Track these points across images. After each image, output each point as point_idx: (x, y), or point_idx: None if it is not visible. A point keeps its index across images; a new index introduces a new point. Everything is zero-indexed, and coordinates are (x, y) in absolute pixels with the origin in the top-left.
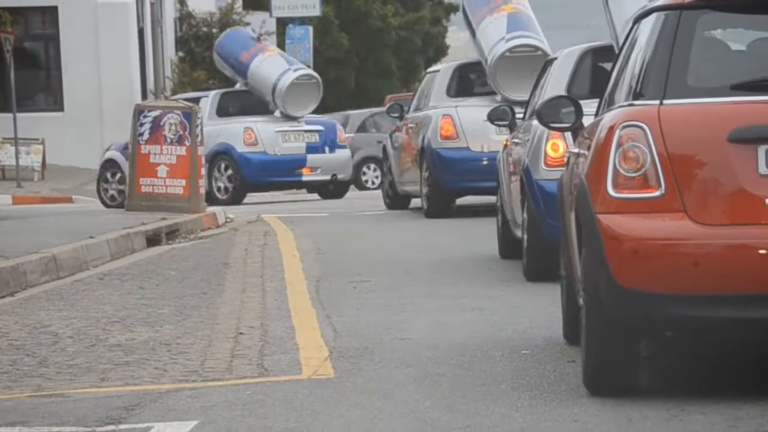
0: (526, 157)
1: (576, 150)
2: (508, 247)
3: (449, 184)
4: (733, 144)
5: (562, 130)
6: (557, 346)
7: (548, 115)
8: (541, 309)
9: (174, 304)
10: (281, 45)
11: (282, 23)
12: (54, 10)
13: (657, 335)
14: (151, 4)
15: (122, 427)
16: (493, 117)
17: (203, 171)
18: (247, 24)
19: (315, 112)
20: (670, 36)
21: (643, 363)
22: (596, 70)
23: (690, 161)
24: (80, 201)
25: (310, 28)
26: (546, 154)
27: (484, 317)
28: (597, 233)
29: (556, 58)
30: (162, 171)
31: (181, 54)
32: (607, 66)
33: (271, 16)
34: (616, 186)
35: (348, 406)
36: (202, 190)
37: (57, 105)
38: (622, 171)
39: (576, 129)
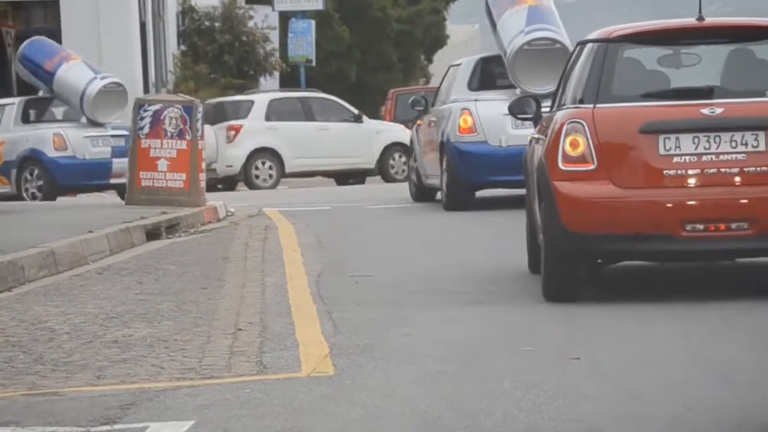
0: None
1: (537, 135)
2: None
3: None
4: (642, 134)
5: (526, 119)
6: (562, 346)
7: (517, 108)
8: (548, 307)
9: (173, 300)
10: (284, 39)
11: (285, 17)
12: (56, 4)
13: (592, 262)
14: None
15: (117, 427)
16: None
17: (204, 165)
18: (251, 18)
19: None
20: (600, 60)
21: (582, 281)
22: (485, 72)
23: (613, 146)
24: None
25: (313, 22)
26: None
27: (485, 312)
28: (552, 194)
29: (460, 64)
30: (162, 165)
31: (183, 48)
32: (493, 69)
33: (273, 10)
34: (564, 162)
35: (347, 405)
36: (203, 184)
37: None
38: (568, 152)
39: (537, 119)
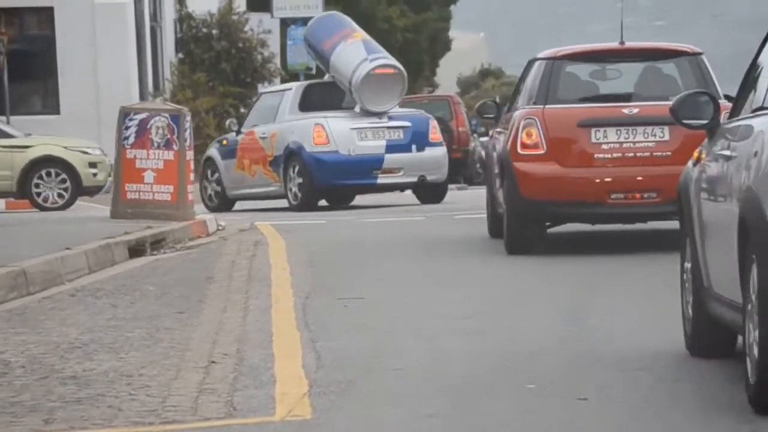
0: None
1: (499, 130)
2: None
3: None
4: (579, 128)
5: (489, 119)
6: (566, 380)
7: (483, 111)
8: (547, 331)
9: (146, 326)
10: (282, 46)
11: (285, 24)
12: (50, 11)
13: (542, 224)
14: (150, 5)
15: None
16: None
17: (192, 176)
18: (246, 22)
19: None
20: (548, 73)
21: (537, 239)
22: (312, 95)
23: (558, 136)
24: (75, 207)
25: None
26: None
27: (485, 342)
28: (513, 172)
29: (290, 89)
30: (149, 176)
31: (180, 56)
32: (321, 91)
33: (272, 16)
34: (522, 148)
35: None
36: (191, 197)
37: (53, 108)
38: (525, 141)
39: (497, 118)
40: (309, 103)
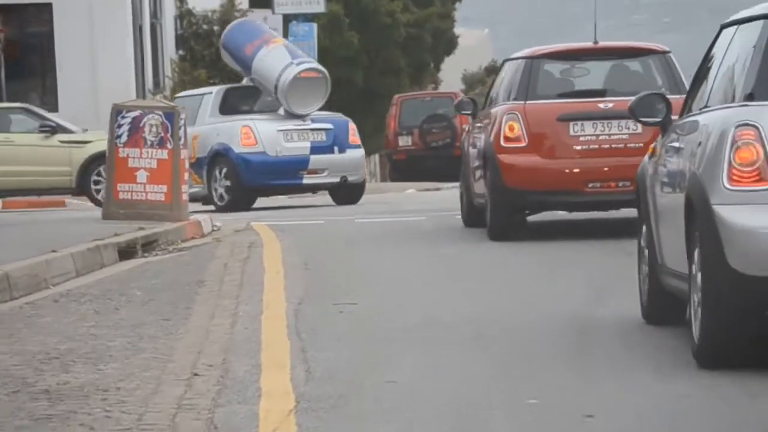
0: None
1: (478, 124)
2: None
3: (249, 182)
4: (559, 122)
5: (468, 115)
6: (569, 393)
7: (461, 107)
8: (550, 347)
9: (129, 334)
10: None
11: (288, 21)
12: (48, 7)
13: (523, 211)
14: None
15: None
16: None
17: (187, 176)
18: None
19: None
20: (527, 71)
21: (519, 226)
22: (232, 98)
23: (539, 130)
24: (73, 205)
25: (315, 25)
26: (505, 134)
27: (484, 353)
28: (496, 163)
29: (210, 92)
30: (142, 176)
31: (181, 52)
32: (240, 94)
33: (273, 12)
34: (505, 141)
35: None
36: (185, 197)
37: (51, 105)
38: (507, 134)
39: (474, 115)
40: (229, 106)
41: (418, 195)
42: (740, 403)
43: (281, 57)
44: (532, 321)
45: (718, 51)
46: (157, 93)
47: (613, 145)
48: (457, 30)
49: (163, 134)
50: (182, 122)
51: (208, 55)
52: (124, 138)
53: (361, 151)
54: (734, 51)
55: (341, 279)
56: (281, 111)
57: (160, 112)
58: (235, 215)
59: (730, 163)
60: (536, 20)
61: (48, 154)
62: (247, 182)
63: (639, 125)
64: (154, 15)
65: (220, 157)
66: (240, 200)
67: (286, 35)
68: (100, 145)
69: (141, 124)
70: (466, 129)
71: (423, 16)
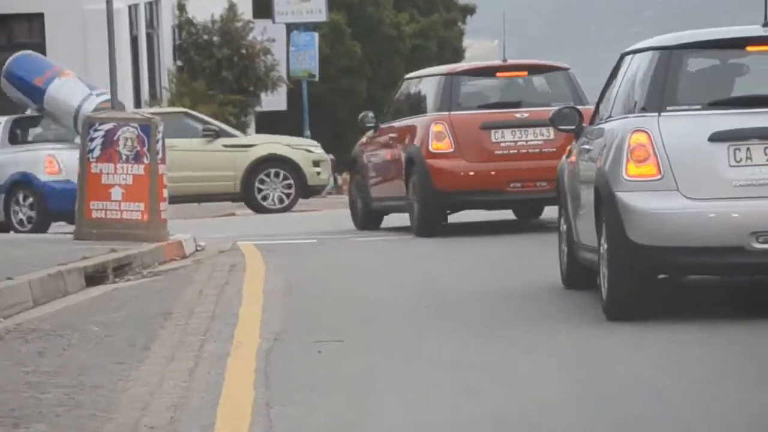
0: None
1: (382, 136)
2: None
3: (54, 209)
4: (482, 129)
5: (370, 128)
6: (508, 337)
7: (364, 121)
8: (557, 394)
9: (69, 384)
10: (287, 53)
11: (290, 30)
12: (40, 17)
13: (449, 211)
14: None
15: None
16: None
17: (166, 193)
18: (251, 30)
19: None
20: (448, 85)
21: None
22: (19, 128)
23: (464, 136)
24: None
25: (316, 35)
26: (433, 141)
27: (480, 406)
28: (426, 168)
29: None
30: (116, 193)
31: (179, 63)
32: (27, 125)
33: (274, 22)
34: (433, 148)
35: None
36: (165, 215)
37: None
38: (435, 141)
39: (376, 128)
40: (16, 135)
41: None
42: (638, 343)
43: (78, 88)
44: (480, 291)
45: (619, 74)
46: (154, 104)
47: (530, 150)
48: (467, 41)
49: (139, 148)
50: (159, 135)
51: (208, 67)
52: (96, 152)
53: None
54: (631, 74)
55: (327, 309)
56: (77, 140)
57: (136, 125)
58: (222, 234)
59: (628, 159)
60: (544, 31)
61: (212, 159)
62: (53, 209)
63: (552, 132)
64: (150, 25)
65: (21, 184)
66: (44, 226)
67: (288, 45)
68: (265, 148)
69: (115, 138)
70: (363, 141)
71: (427, 24)
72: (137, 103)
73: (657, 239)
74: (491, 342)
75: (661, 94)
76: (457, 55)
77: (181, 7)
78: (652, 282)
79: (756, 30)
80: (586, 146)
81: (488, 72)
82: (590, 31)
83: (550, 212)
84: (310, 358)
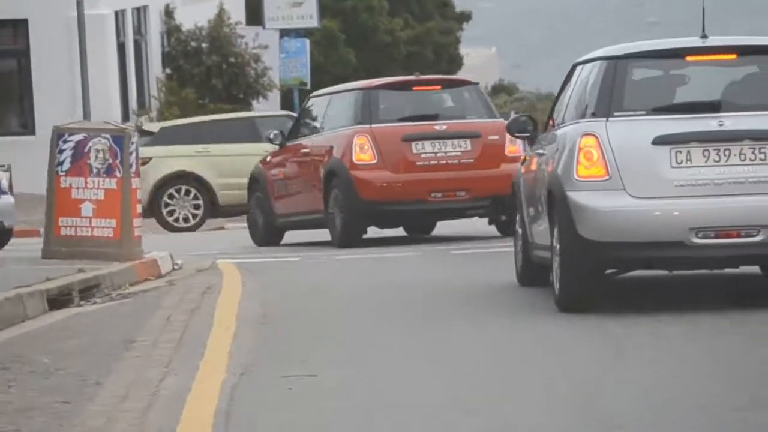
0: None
1: (290, 153)
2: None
3: None
4: (403, 141)
5: (277, 145)
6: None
7: (273, 139)
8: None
9: (6, 428)
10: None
11: (282, 36)
12: (24, 23)
13: (376, 220)
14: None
15: None
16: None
17: (140, 208)
18: (242, 37)
19: None
20: (366, 99)
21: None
22: None
23: (386, 148)
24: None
25: (307, 41)
26: (356, 153)
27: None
28: (350, 178)
29: None
30: (87, 209)
31: (168, 71)
32: None
33: (264, 28)
34: (357, 159)
35: None
36: (138, 232)
37: (27, 128)
38: (358, 153)
39: (282, 145)
40: None
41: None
42: (587, 331)
43: None
44: (438, 290)
45: (571, 82)
46: (142, 114)
47: (449, 161)
48: (464, 49)
49: (111, 161)
50: (133, 147)
51: (197, 74)
52: (66, 165)
53: (12, 198)
54: (582, 82)
55: (303, 338)
56: None
57: (108, 136)
58: (204, 251)
59: (578, 161)
60: (543, 38)
61: None
62: None
63: (469, 144)
64: (138, 32)
65: None
66: None
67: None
68: None
69: (86, 150)
70: (266, 159)
71: (423, 31)
72: (125, 113)
73: (605, 235)
74: (457, 333)
75: (609, 100)
76: (454, 62)
77: (169, 13)
78: (601, 276)
79: (695, 41)
80: (540, 151)
81: (404, 86)
82: (589, 37)
83: (441, 228)
84: (279, 396)
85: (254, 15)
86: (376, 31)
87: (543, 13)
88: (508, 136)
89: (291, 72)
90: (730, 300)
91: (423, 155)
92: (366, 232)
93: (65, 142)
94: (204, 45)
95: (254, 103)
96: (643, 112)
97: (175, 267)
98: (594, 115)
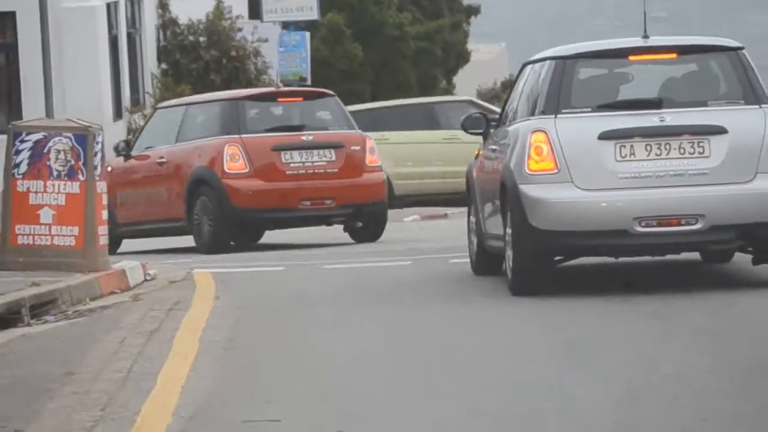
0: None
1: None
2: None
3: None
4: (273, 151)
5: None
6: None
7: (117, 149)
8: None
9: None
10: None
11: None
12: (11, 16)
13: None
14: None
15: None
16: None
17: (105, 214)
18: (240, 29)
19: None
20: (234, 109)
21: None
22: None
23: (258, 159)
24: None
25: (307, 34)
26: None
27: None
28: (223, 187)
29: None
30: (46, 215)
31: (164, 66)
32: None
33: (262, 21)
34: (228, 168)
35: None
36: (103, 241)
37: None
38: (230, 163)
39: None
40: None
41: (419, 225)
42: (536, 314)
43: None
44: (400, 280)
45: (521, 82)
46: (135, 111)
47: (316, 171)
48: (473, 45)
49: (73, 162)
50: (98, 147)
51: (194, 69)
52: (23, 167)
53: None
54: (532, 81)
55: (272, 369)
56: None
57: (70, 135)
58: (185, 258)
59: (529, 156)
60: (552, 34)
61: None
62: None
63: (334, 154)
64: (132, 25)
65: None
66: None
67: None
68: None
69: (45, 150)
70: (109, 168)
71: (433, 27)
72: (117, 110)
73: (555, 225)
74: (421, 314)
75: (557, 98)
76: (462, 58)
77: (164, 6)
78: (550, 262)
79: (637, 41)
80: (493, 146)
81: (269, 98)
82: (597, 34)
83: (269, 236)
84: None
85: (257, 9)
86: (384, 25)
87: (553, 8)
88: (368, 146)
89: (290, 66)
90: (668, 285)
91: (292, 164)
92: (235, 240)
93: (22, 141)
94: (202, 39)
95: None
96: (590, 110)
97: (147, 278)
98: (543, 112)
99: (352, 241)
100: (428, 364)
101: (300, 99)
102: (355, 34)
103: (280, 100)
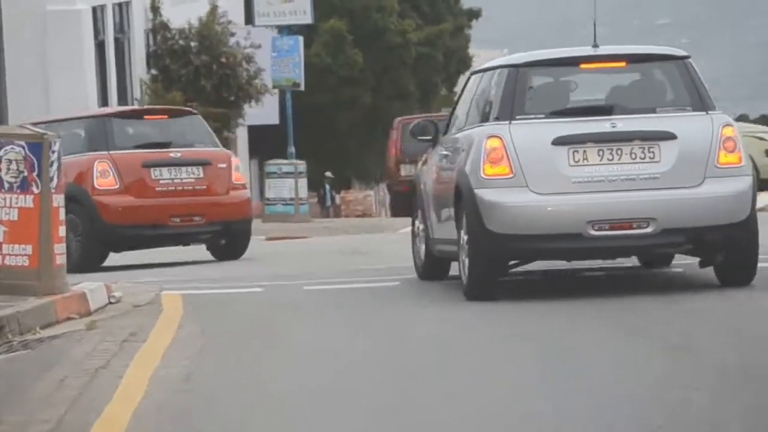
0: None
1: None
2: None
3: None
4: (143, 168)
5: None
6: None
7: None
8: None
9: None
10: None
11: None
12: None
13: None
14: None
15: None
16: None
17: (63, 231)
18: (232, 34)
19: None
20: (102, 128)
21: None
22: None
23: (128, 175)
24: None
25: (300, 39)
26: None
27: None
28: (93, 204)
29: None
30: None
31: (153, 72)
32: None
33: (254, 25)
34: (99, 185)
35: None
36: (61, 260)
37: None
38: (100, 179)
39: None
40: None
41: None
42: (491, 317)
43: None
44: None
45: (469, 91)
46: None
47: (185, 187)
48: (475, 51)
49: (26, 173)
50: (54, 156)
51: (185, 75)
52: None
53: None
54: (484, 88)
55: (228, 410)
56: None
57: (22, 143)
58: (172, 276)
59: (484, 161)
60: (554, 39)
61: None
62: None
63: (201, 171)
64: (120, 29)
65: None
66: None
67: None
68: None
69: None
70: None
71: (435, 32)
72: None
73: (510, 228)
74: (378, 319)
75: (511, 105)
76: (464, 64)
77: (155, 10)
78: (505, 266)
79: (588, 50)
80: (444, 152)
81: (135, 115)
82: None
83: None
84: None
85: (253, 15)
86: (386, 31)
87: (555, 12)
88: (233, 164)
89: (282, 72)
90: (614, 289)
91: (161, 181)
92: (105, 258)
93: None
94: (193, 44)
95: (246, 107)
96: (543, 116)
97: (112, 300)
98: (498, 118)
99: (213, 258)
100: (401, 383)
101: (165, 116)
102: (356, 40)
103: (146, 117)
